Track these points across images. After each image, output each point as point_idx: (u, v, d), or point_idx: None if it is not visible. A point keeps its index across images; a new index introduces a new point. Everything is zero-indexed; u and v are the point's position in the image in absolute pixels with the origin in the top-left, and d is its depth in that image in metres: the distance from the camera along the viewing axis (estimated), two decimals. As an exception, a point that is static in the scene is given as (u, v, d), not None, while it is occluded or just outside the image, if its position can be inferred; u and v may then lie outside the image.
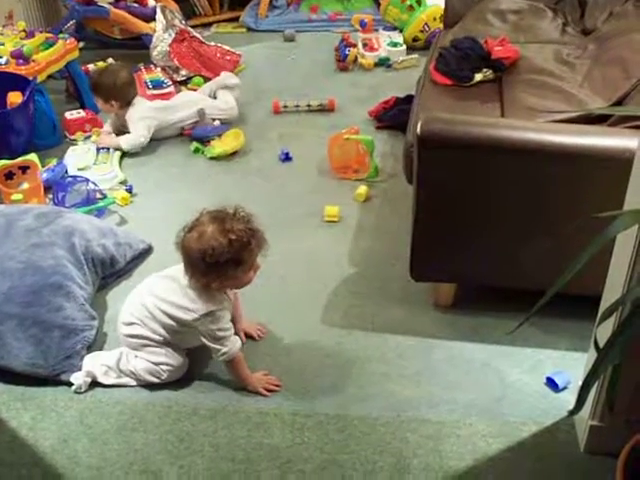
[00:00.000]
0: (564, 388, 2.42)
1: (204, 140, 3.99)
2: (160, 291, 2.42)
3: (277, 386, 2.44)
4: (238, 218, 2.29)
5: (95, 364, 2.49)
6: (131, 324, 2.45)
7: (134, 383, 2.48)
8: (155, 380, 2.46)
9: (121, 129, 4.07)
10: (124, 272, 3.01)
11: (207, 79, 4.64)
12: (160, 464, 2.21)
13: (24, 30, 4.19)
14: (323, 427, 2.31)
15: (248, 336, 2.66)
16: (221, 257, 2.21)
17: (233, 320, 2.52)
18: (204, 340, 2.37)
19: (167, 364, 2.44)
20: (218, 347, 2.35)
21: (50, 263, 2.66)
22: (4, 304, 2.52)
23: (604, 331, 1.67)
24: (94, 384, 2.48)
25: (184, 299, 2.35)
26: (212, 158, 3.88)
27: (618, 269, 1.95)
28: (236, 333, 2.49)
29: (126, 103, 3.98)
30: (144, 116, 3.98)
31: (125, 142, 3.92)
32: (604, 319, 1.58)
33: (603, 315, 1.59)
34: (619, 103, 2.80)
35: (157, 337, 2.42)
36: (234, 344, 2.37)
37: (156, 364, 2.44)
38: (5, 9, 4.65)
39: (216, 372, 2.51)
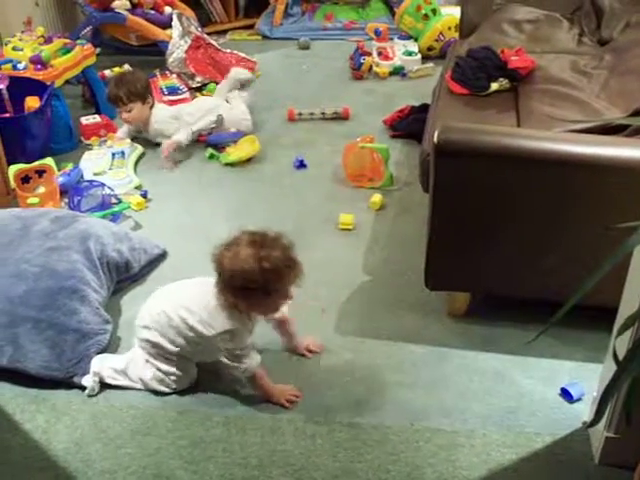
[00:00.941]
0: (579, 399, 2.41)
1: (219, 146, 4.00)
2: (185, 300, 2.38)
3: (297, 397, 2.43)
4: (277, 245, 2.21)
5: (103, 366, 2.49)
6: (148, 329, 2.42)
7: (140, 387, 2.48)
8: (162, 389, 2.45)
9: (136, 135, 4.10)
10: (139, 277, 3.02)
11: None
12: (173, 469, 2.21)
13: (42, 36, 4.22)
14: (336, 435, 2.31)
15: (308, 351, 2.63)
16: (250, 283, 2.16)
17: (287, 341, 2.59)
18: (221, 357, 2.34)
19: (176, 375, 2.43)
20: (236, 365, 2.33)
21: (65, 267, 2.67)
22: (20, 307, 2.53)
23: (622, 343, 1.67)
24: (107, 387, 2.49)
25: (207, 313, 2.31)
26: (227, 164, 3.89)
27: (635, 281, 1.94)
28: (294, 351, 2.59)
29: (144, 100, 4.01)
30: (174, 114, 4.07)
31: (184, 137, 3.97)
32: (623, 330, 1.58)
33: (621, 327, 1.59)
34: (636, 113, 2.80)
35: (172, 348, 2.40)
36: (253, 360, 2.35)
37: (166, 373, 2.43)
38: (24, 15, 4.67)
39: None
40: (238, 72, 4.46)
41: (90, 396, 2.45)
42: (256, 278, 2.15)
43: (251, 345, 2.37)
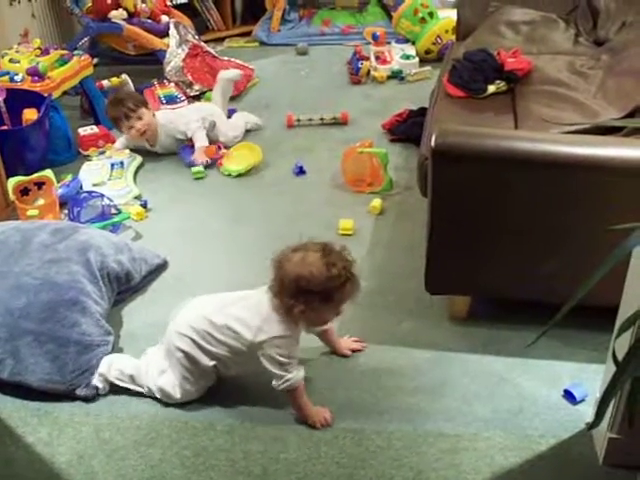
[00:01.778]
0: (582, 400, 2.40)
1: (192, 166, 3.96)
2: (231, 308, 2.36)
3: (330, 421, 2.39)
4: (343, 256, 2.26)
5: (111, 367, 2.50)
6: (184, 337, 2.38)
7: (147, 394, 2.48)
8: (168, 400, 2.44)
9: (136, 147, 4.11)
10: (139, 287, 3.02)
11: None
12: (177, 479, 2.20)
13: (39, 47, 4.23)
14: (339, 441, 2.30)
15: (353, 351, 2.65)
16: (315, 287, 2.18)
17: (331, 345, 2.60)
18: (267, 365, 2.30)
19: (187, 391, 2.42)
20: (282, 373, 2.29)
21: (66, 279, 2.67)
22: (20, 320, 2.53)
23: (622, 344, 1.66)
24: (110, 396, 2.49)
25: (258, 318, 2.29)
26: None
27: (635, 281, 1.94)
28: (334, 352, 2.62)
29: (147, 104, 4.06)
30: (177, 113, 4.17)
31: (204, 140, 4.02)
32: (622, 332, 1.58)
33: (621, 328, 1.58)
34: (633, 113, 2.80)
35: (204, 362, 2.37)
36: (298, 373, 2.32)
37: (180, 387, 2.41)
38: (21, 27, 4.69)
39: (232, 387, 2.50)
40: (224, 74, 4.49)
41: (92, 400, 2.46)
42: (321, 282, 2.18)
43: (297, 357, 2.35)
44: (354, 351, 2.65)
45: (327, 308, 2.28)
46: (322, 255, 2.21)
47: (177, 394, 2.42)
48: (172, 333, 2.42)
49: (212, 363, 2.37)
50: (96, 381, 2.49)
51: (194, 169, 3.89)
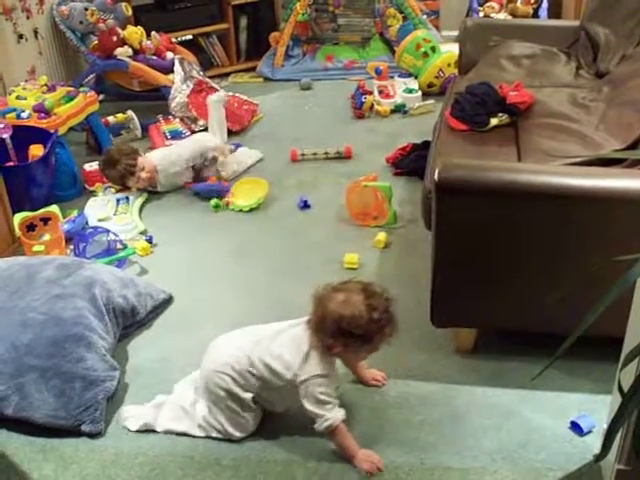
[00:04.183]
0: (589, 432, 2.39)
1: (221, 195, 4.01)
2: (271, 345, 2.34)
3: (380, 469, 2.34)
4: (384, 298, 2.25)
5: (157, 421, 2.49)
6: (224, 375, 2.36)
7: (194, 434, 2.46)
8: (226, 437, 2.43)
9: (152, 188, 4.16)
10: (145, 322, 3.02)
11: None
12: (182, 515, 2.19)
13: (46, 84, 4.27)
14: (346, 474, 2.29)
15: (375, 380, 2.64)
16: (356, 329, 2.18)
17: (355, 372, 2.58)
18: (307, 405, 2.27)
19: (241, 424, 2.41)
20: (321, 412, 2.26)
21: (71, 314, 2.67)
22: (26, 356, 2.53)
23: (628, 374, 1.66)
24: (116, 434, 2.48)
25: (297, 356, 2.28)
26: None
27: (639, 312, 1.94)
28: (363, 382, 2.60)
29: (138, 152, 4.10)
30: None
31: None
32: (627, 362, 1.57)
33: (626, 359, 1.58)
34: (635, 145, 2.81)
35: (246, 397, 2.35)
36: (338, 413, 2.28)
37: (230, 424, 2.40)
38: (28, 64, 4.74)
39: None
40: (210, 98, 4.58)
41: (97, 435, 2.46)
42: (362, 324, 2.18)
43: (337, 397, 2.32)
44: (377, 381, 2.63)
45: (366, 348, 2.28)
46: (364, 297, 2.21)
47: (234, 432, 2.41)
48: (210, 372, 2.40)
49: (251, 396, 2.35)
50: (132, 426, 2.49)
51: (213, 202, 3.93)
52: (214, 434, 2.43)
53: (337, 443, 2.33)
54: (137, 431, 2.47)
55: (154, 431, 2.47)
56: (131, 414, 2.52)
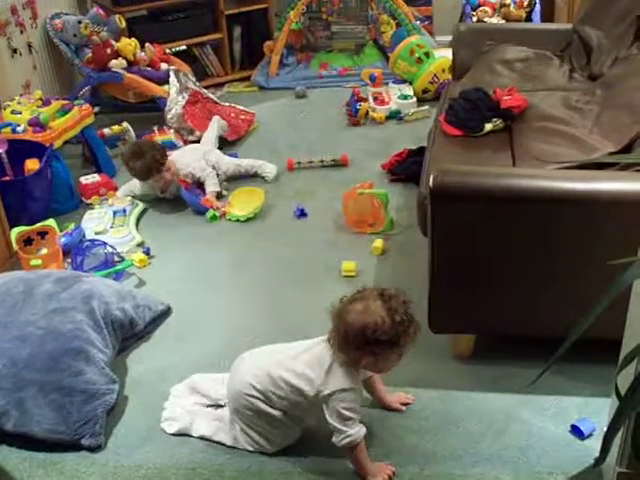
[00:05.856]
0: (590, 435, 2.39)
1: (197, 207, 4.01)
2: (293, 364, 2.32)
3: (393, 473, 2.33)
4: (402, 300, 2.21)
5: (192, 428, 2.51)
6: (249, 397, 2.35)
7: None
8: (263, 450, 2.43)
9: (143, 193, 4.15)
10: (144, 334, 3.02)
11: (221, 139, 4.71)
12: (184, 527, 2.19)
13: (40, 98, 4.27)
14: (347, 484, 2.29)
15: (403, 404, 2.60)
16: (382, 335, 2.15)
17: (378, 397, 2.55)
18: (330, 419, 2.25)
19: (258, 447, 2.41)
20: (344, 428, 2.23)
21: (70, 328, 2.67)
22: (25, 370, 2.53)
23: (626, 377, 1.66)
24: (116, 447, 2.48)
25: (320, 373, 2.25)
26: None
27: (636, 314, 1.94)
28: (387, 408, 2.55)
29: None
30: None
31: (215, 186, 4.11)
32: (624, 365, 1.57)
33: (623, 362, 1.58)
34: (629, 147, 2.81)
35: (274, 412, 2.33)
36: (360, 429, 2.26)
37: (264, 439, 2.40)
38: (22, 79, 4.75)
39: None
40: (219, 118, 4.70)
41: (97, 449, 2.45)
42: (387, 329, 2.15)
43: (360, 413, 2.29)
44: (405, 405, 2.59)
45: (396, 353, 2.23)
46: (383, 302, 2.18)
47: (269, 446, 2.41)
48: (235, 394, 2.39)
49: (281, 413, 2.34)
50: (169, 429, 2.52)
51: (209, 213, 3.92)
52: (250, 448, 2.42)
53: (354, 459, 2.30)
54: (173, 434, 2.50)
55: (155, 442, 2.48)
56: (166, 416, 2.54)
